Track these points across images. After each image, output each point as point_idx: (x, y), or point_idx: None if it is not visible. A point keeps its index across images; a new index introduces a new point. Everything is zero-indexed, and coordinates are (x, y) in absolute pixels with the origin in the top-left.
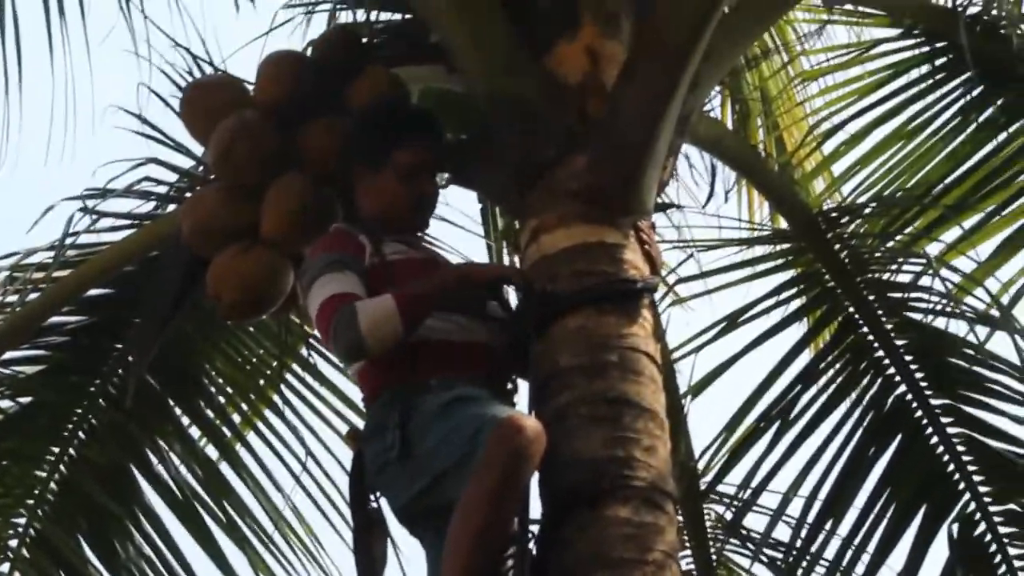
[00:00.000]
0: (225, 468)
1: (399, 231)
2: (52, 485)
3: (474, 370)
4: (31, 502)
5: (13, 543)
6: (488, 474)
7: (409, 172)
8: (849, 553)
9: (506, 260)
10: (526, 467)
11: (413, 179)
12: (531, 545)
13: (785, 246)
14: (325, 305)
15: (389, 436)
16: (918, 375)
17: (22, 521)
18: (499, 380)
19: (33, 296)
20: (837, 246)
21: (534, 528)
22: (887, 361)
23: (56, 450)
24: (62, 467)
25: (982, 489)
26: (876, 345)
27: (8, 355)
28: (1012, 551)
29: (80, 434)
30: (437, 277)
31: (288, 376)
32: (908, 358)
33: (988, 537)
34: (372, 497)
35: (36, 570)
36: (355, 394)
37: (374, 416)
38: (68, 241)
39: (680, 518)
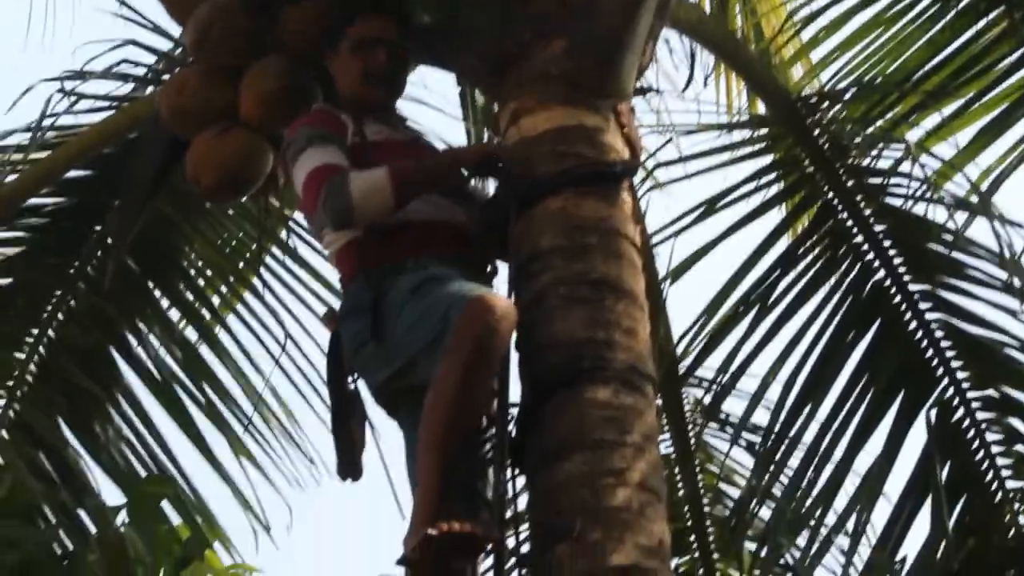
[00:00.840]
0: (204, 351)
1: (377, 112)
2: (31, 367)
3: (451, 251)
4: (10, 384)
5: None
6: (458, 353)
7: (357, 44)
8: (828, 437)
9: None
10: (496, 344)
11: (362, 50)
12: (511, 427)
13: (764, 131)
14: (314, 174)
15: (364, 317)
16: (897, 261)
17: (1, 403)
18: (476, 261)
19: (11, 178)
20: (816, 131)
21: (514, 411)
22: (866, 247)
23: (35, 332)
24: (41, 349)
25: (960, 375)
26: (855, 231)
27: None
28: (989, 437)
29: (59, 316)
30: (429, 159)
31: (267, 259)
32: (887, 244)
33: (966, 423)
34: (350, 379)
35: (15, 452)
36: (333, 276)
37: (350, 297)
38: (46, 123)
39: (659, 402)
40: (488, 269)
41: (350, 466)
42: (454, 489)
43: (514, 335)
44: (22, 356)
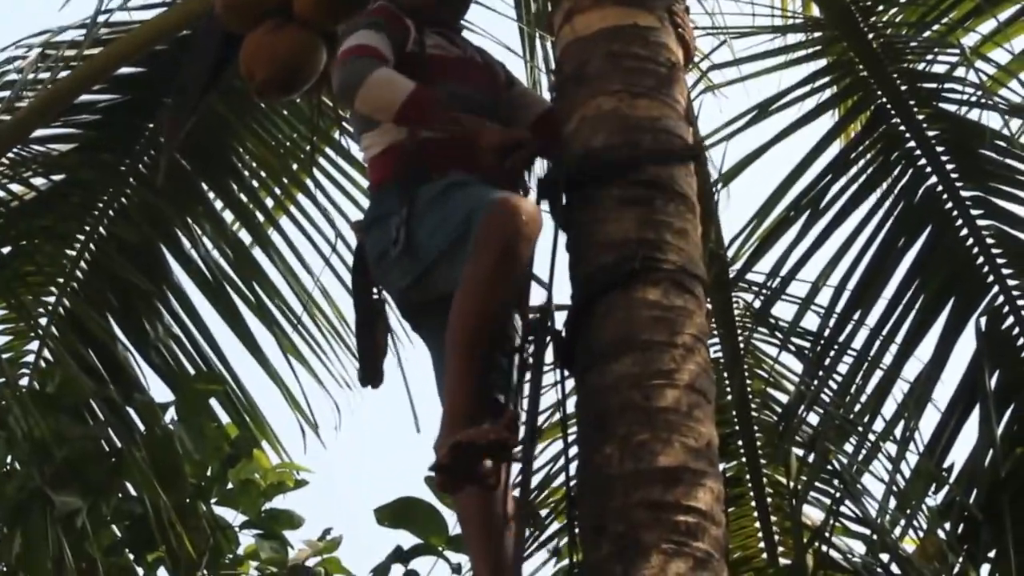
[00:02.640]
0: (255, 250)
1: (437, 23)
2: (82, 264)
3: (480, 169)
4: (61, 280)
5: (43, 321)
6: (485, 254)
7: None
8: (877, 344)
9: (538, 44)
10: (523, 246)
11: None
12: (559, 328)
13: (818, 34)
14: (352, 47)
15: (392, 229)
16: (949, 166)
17: (51, 300)
18: (509, 178)
19: (64, 74)
20: (871, 35)
21: (561, 313)
22: (918, 152)
23: (87, 228)
24: (92, 245)
25: (1011, 283)
26: (908, 136)
27: (39, 132)
28: None
29: (110, 213)
30: (454, 117)
31: (320, 159)
32: (940, 149)
33: (1016, 331)
34: (375, 289)
35: (65, 348)
36: None
37: (375, 205)
38: (100, 19)
39: (709, 305)
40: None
41: (372, 373)
42: (482, 392)
43: (563, 237)
44: (73, 252)
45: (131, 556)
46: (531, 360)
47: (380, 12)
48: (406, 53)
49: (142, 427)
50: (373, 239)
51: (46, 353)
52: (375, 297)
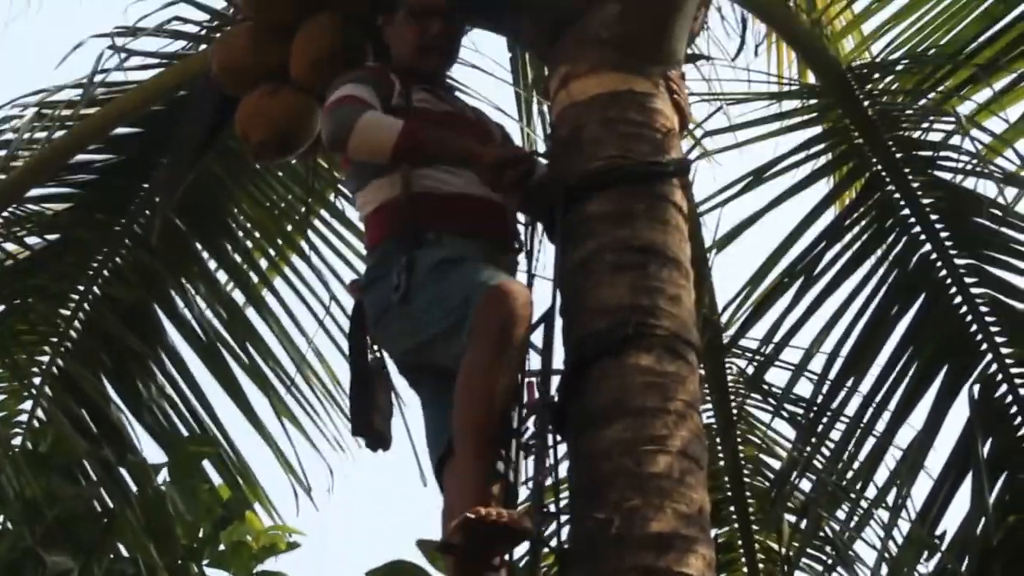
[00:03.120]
0: (249, 311)
1: (424, 79)
2: (76, 323)
3: (476, 227)
4: (55, 340)
5: (36, 380)
6: (483, 343)
7: (412, 13)
8: (870, 411)
9: (535, 108)
10: (518, 331)
11: (416, 20)
12: (553, 394)
13: (814, 101)
14: (339, 98)
15: (394, 276)
16: (943, 234)
17: (45, 359)
18: (500, 239)
19: (60, 133)
20: (866, 103)
21: (555, 378)
22: (913, 220)
23: (81, 288)
24: (86, 305)
25: (1004, 351)
26: (902, 203)
27: (35, 192)
28: None
29: (105, 272)
30: (450, 138)
31: (315, 221)
32: (934, 217)
33: (1008, 399)
34: (374, 348)
35: (58, 407)
36: None
37: (375, 264)
38: (97, 78)
39: (702, 371)
40: (516, 245)
41: (372, 432)
42: (493, 474)
43: (559, 299)
44: (67, 312)
45: None
46: (533, 440)
47: (364, 69)
48: (392, 107)
49: (135, 488)
50: (372, 297)
51: (39, 412)
52: (374, 355)
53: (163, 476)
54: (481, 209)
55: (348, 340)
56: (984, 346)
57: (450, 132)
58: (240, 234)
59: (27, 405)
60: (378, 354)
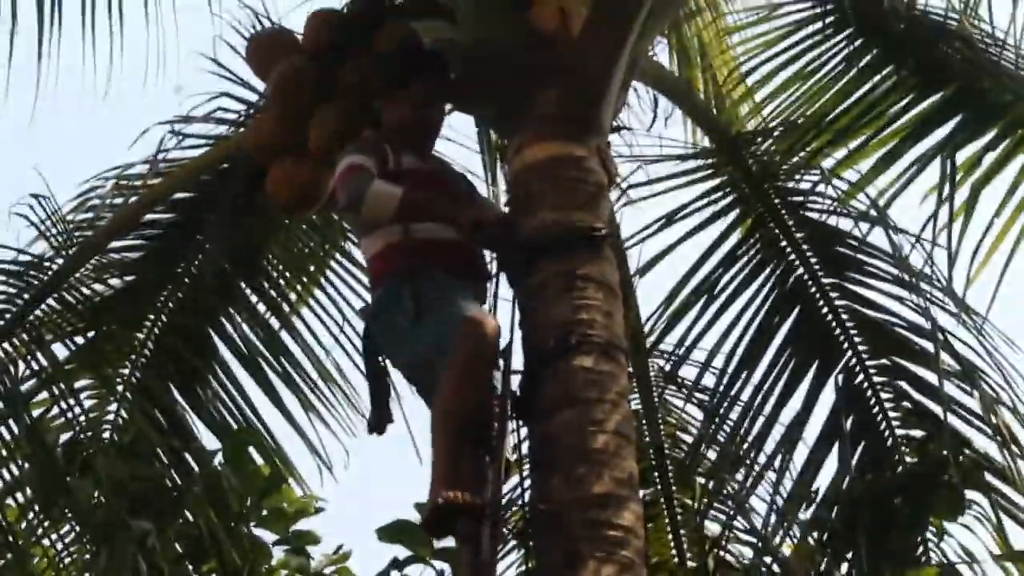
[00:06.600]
0: (283, 333)
1: (414, 146)
2: (149, 344)
3: (458, 265)
4: (133, 357)
5: (120, 388)
6: (460, 362)
7: (421, 102)
8: (759, 397)
9: (498, 171)
10: (488, 352)
11: (424, 108)
12: (515, 389)
13: (711, 160)
14: (348, 166)
15: (405, 302)
16: (813, 260)
17: (126, 372)
18: (477, 273)
19: (133, 199)
20: (751, 161)
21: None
22: (789, 250)
23: (152, 317)
24: (156, 331)
25: (861, 348)
26: (781, 237)
27: (116, 243)
28: (883, 395)
29: (170, 305)
30: (439, 201)
31: (331, 261)
32: (805, 247)
33: (865, 385)
34: (381, 359)
35: (137, 409)
36: None
37: (383, 291)
38: (160, 156)
39: (630, 368)
40: (489, 276)
41: (381, 420)
42: (461, 463)
43: (518, 315)
44: (142, 336)
45: (190, 567)
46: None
47: (363, 141)
48: (387, 172)
49: (197, 468)
50: (382, 322)
51: (123, 413)
52: (381, 364)
53: (218, 459)
54: (462, 251)
55: (362, 350)
56: (846, 345)
57: (439, 195)
58: (274, 274)
59: (113, 407)
60: (383, 363)
